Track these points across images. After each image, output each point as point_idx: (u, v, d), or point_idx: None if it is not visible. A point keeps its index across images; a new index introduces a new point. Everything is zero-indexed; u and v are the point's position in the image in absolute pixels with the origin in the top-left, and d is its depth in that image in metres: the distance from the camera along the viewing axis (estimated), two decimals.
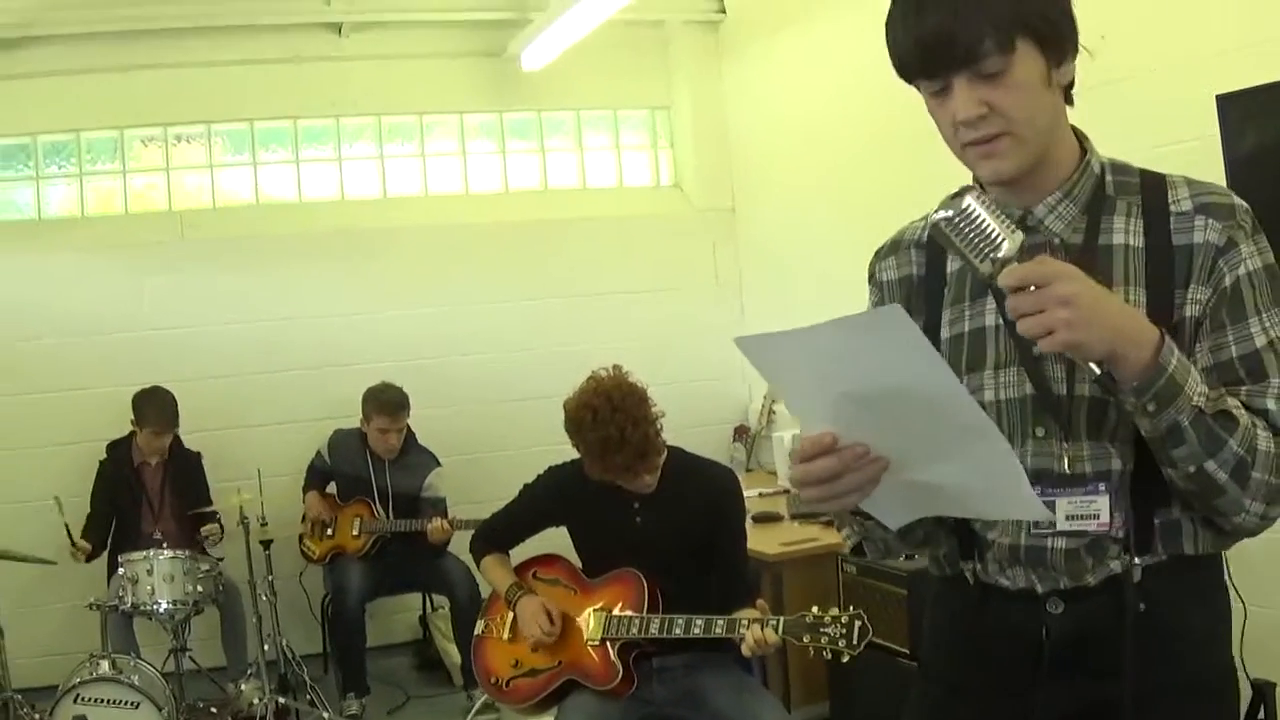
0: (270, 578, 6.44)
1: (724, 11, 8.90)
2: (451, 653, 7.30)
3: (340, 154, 8.48)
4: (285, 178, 8.38)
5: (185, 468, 7.16)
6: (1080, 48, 2.01)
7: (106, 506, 6.99)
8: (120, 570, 6.20)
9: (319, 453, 7.44)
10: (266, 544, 6.44)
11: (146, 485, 7.05)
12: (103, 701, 5.54)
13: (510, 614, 4.66)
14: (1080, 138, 2.09)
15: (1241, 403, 1.90)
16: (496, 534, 4.86)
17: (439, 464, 7.37)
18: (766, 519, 6.38)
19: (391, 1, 8.13)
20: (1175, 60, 4.89)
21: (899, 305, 1.79)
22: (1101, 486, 2.01)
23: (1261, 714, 4.03)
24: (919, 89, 2.02)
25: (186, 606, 6.18)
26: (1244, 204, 2.01)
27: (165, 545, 6.44)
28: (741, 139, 8.91)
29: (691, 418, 7.51)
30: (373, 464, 7.25)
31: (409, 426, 7.33)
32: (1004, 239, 1.79)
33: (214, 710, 6.52)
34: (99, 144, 8.01)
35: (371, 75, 8.32)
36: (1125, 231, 2.02)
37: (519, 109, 8.84)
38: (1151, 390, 1.81)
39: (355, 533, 7.13)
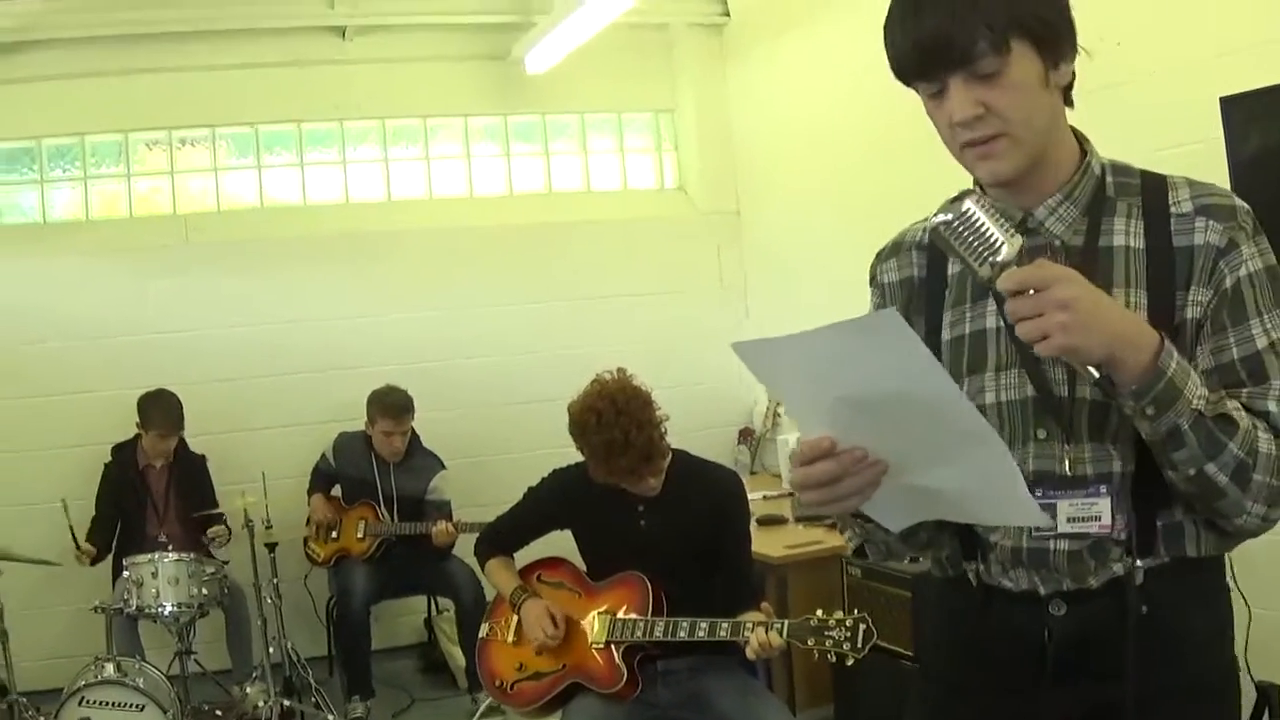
0: (275, 580, 6.45)
1: (728, 14, 8.90)
2: (456, 656, 7.29)
3: (344, 157, 8.48)
4: (290, 181, 8.38)
5: (190, 470, 7.17)
6: (1079, 49, 2.01)
7: (111, 509, 7.00)
8: (125, 573, 6.21)
9: (324, 455, 7.43)
10: (271, 547, 6.46)
11: (151, 488, 7.05)
12: (108, 704, 5.54)
13: (515, 617, 4.67)
14: (1080, 139, 2.09)
15: (1242, 405, 1.91)
16: (501, 537, 4.87)
17: (444, 467, 7.37)
18: (771, 522, 6.38)
19: (395, 5, 8.13)
20: (1179, 63, 4.89)
21: (895, 310, 1.79)
22: (1103, 489, 2.00)
23: (1266, 716, 4.03)
24: (917, 91, 2.02)
25: (191, 609, 6.17)
26: (1245, 205, 2.01)
27: (170, 548, 6.44)
28: (746, 142, 8.91)
29: (696, 421, 7.51)
30: (377, 467, 7.25)
31: (413, 429, 7.34)
32: (1003, 243, 1.79)
33: (219, 713, 6.52)
34: (103, 147, 8.02)
35: (375, 79, 8.33)
36: (1126, 233, 2.02)
37: (523, 112, 8.84)
38: (1151, 394, 1.81)
39: (360, 535, 7.13)
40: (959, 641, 2.23)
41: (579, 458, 4.51)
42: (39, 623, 7.04)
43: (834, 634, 3.86)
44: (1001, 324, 2.07)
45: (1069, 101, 2.04)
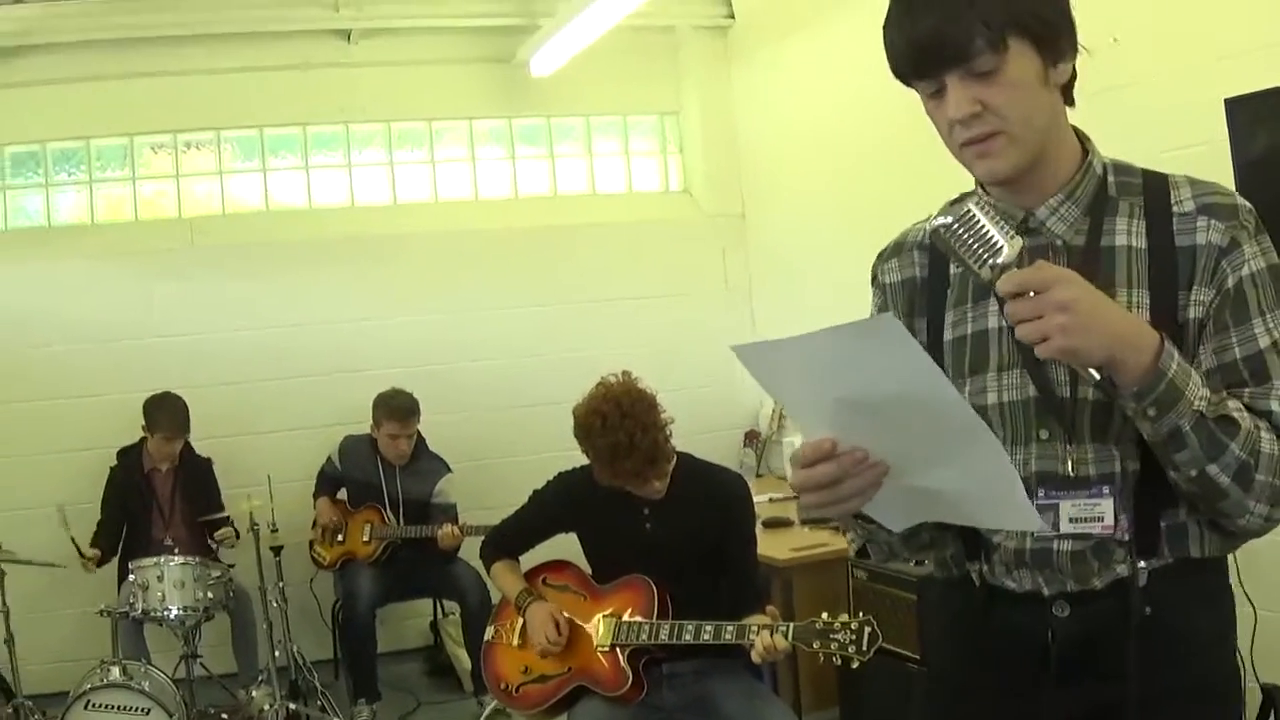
0: (281, 584, 6.44)
1: (733, 17, 8.89)
2: (462, 658, 7.29)
3: (350, 160, 8.49)
4: (295, 184, 8.38)
5: (196, 474, 7.17)
6: (1080, 47, 2.01)
7: (117, 513, 7.01)
8: (131, 577, 6.22)
9: (329, 459, 7.44)
10: (277, 550, 6.44)
11: (157, 491, 7.05)
12: (113, 708, 5.55)
13: (520, 620, 4.66)
14: (1082, 138, 2.09)
15: (1245, 405, 1.90)
16: (506, 540, 4.87)
17: (449, 470, 7.38)
18: (777, 524, 6.38)
19: (400, 8, 8.13)
20: (1183, 64, 4.88)
21: (892, 314, 1.79)
22: (1106, 489, 2.00)
23: (1271, 718, 4.02)
24: (917, 91, 2.02)
25: (197, 613, 6.18)
26: (1247, 204, 2.00)
27: (176, 551, 6.46)
28: (751, 144, 8.90)
29: (701, 423, 7.50)
30: (383, 470, 7.26)
31: (419, 432, 7.34)
32: (1003, 245, 1.79)
33: (224, 716, 6.51)
34: (108, 151, 8.03)
35: (381, 81, 8.33)
36: (1128, 233, 2.02)
37: (528, 115, 8.84)
38: (1152, 395, 1.81)
39: (366, 539, 7.13)
40: (962, 642, 2.23)
41: (584, 461, 4.51)
42: (45, 626, 7.04)
43: (839, 637, 3.85)
44: (1003, 324, 2.06)
45: (1070, 100, 2.04)
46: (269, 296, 7.99)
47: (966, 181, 2.15)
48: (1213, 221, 1.97)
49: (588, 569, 4.73)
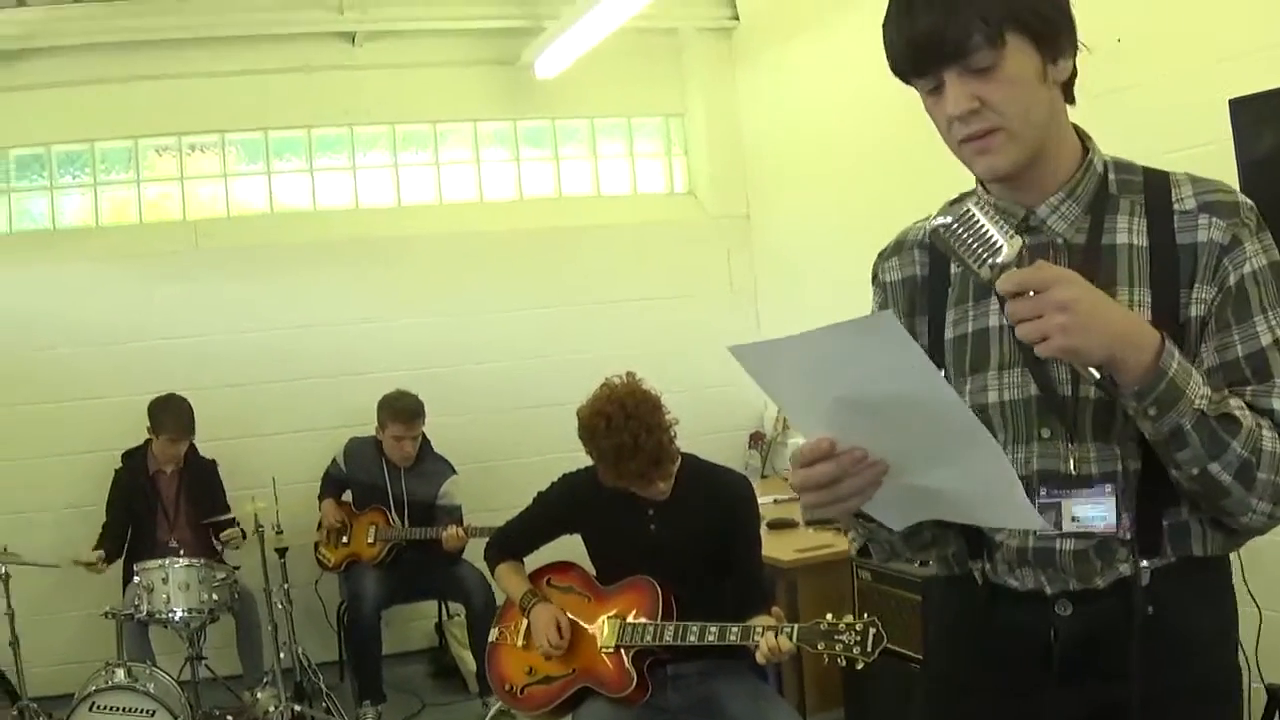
0: (286, 586, 6.45)
1: (737, 18, 8.89)
2: (467, 660, 7.29)
3: (354, 163, 8.49)
4: (299, 187, 8.39)
5: (201, 476, 7.18)
6: (1080, 45, 2.01)
7: (122, 515, 7.01)
8: (136, 579, 6.22)
9: (334, 460, 7.44)
10: (282, 552, 6.45)
11: (162, 494, 7.06)
12: (118, 710, 5.56)
13: (524, 621, 4.67)
14: (1082, 136, 2.08)
15: (1246, 403, 1.90)
16: (511, 541, 4.87)
17: (454, 471, 7.38)
18: (781, 525, 6.37)
19: (405, 10, 8.13)
20: (1187, 65, 4.88)
21: (890, 312, 1.79)
22: (1108, 488, 2.00)
23: (1277, 718, 4.02)
24: (916, 88, 2.02)
25: (202, 615, 6.19)
26: (1248, 201, 2.00)
27: (181, 553, 6.46)
28: (756, 145, 8.90)
29: (706, 424, 7.50)
30: (388, 472, 7.26)
31: (424, 434, 7.34)
32: (1002, 244, 1.78)
33: (230, 718, 6.52)
34: (113, 154, 8.04)
35: (385, 84, 8.33)
36: (1129, 231, 2.01)
37: (533, 117, 8.84)
38: (1153, 395, 1.81)
39: (370, 540, 7.13)
40: (964, 641, 2.23)
41: (589, 462, 4.51)
42: (50, 628, 7.03)
43: (844, 638, 3.85)
44: (1005, 323, 2.06)
45: (1070, 98, 2.04)
46: (274, 298, 8.00)
47: (971, 182, 2.15)
48: (1214, 219, 1.96)
49: (592, 570, 4.73)
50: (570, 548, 4.83)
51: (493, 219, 8.59)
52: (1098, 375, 1.80)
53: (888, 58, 2.00)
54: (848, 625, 3.86)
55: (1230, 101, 4.42)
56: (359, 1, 8.02)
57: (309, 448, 7.67)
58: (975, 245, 1.80)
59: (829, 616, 3.91)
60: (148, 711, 5.57)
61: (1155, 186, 2.04)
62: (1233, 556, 2.12)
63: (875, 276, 2.32)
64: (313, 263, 8.08)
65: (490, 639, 4.89)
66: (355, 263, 8.14)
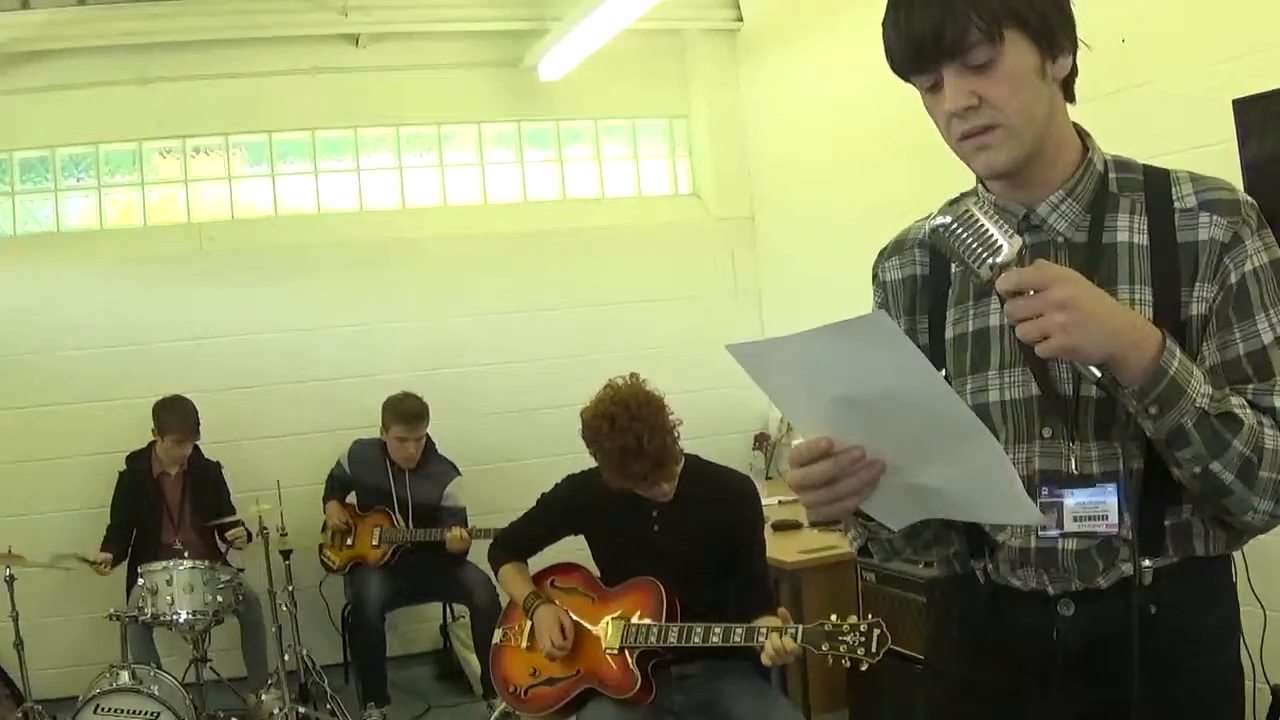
0: (290, 588, 6.46)
1: (741, 19, 8.88)
2: (472, 662, 7.29)
3: (358, 165, 8.49)
4: (304, 189, 8.39)
5: (205, 478, 7.18)
6: (1080, 43, 2.01)
7: (127, 517, 7.01)
8: (140, 581, 6.22)
9: (339, 462, 7.44)
10: (286, 554, 6.47)
11: (166, 496, 7.06)
12: (123, 712, 5.56)
13: (528, 623, 4.66)
14: (1082, 135, 2.08)
15: (1248, 401, 1.90)
16: (514, 543, 4.88)
17: (459, 473, 7.38)
18: (786, 527, 6.37)
19: (408, 12, 8.13)
20: (1191, 65, 4.88)
21: (883, 311, 1.79)
22: (1110, 487, 1.99)
23: None
24: (916, 86, 2.02)
25: (206, 617, 6.19)
26: (1249, 199, 1.99)
27: (186, 555, 6.45)
28: (760, 147, 8.90)
29: (711, 426, 7.49)
30: (393, 474, 7.26)
31: (429, 436, 7.34)
32: (1002, 243, 1.78)
33: None
34: (117, 156, 8.04)
35: (389, 86, 8.33)
36: (1130, 229, 2.01)
37: (537, 119, 8.84)
38: (1154, 393, 1.80)
39: (375, 542, 7.13)
40: (967, 640, 2.22)
41: (593, 463, 4.51)
42: (54, 631, 7.05)
43: (848, 639, 3.85)
44: (1005, 322, 2.04)
45: (1070, 97, 2.04)
46: (278, 300, 8.00)
47: (973, 183, 2.15)
48: (1215, 217, 1.96)
49: (596, 571, 4.73)
50: (574, 549, 4.83)
51: (497, 221, 8.60)
52: (1098, 374, 1.80)
53: (887, 56, 2.00)
54: (852, 626, 3.86)
55: (1234, 102, 4.43)
56: (363, 4, 8.01)
57: (313, 450, 7.67)
58: (975, 245, 1.79)
59: (833, 617, 3.91)
60: (152, 714, 5.57)
61: (1155, 184, 2.04)
62: (1237, 557, 2.12)
63: (875, 276, 2.32)
64: (317, 265, 8.08)
65: (494, 640, 4.89)
66: (359, 265, 8.14)
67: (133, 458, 7.14)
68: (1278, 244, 1.99)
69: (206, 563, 6.32)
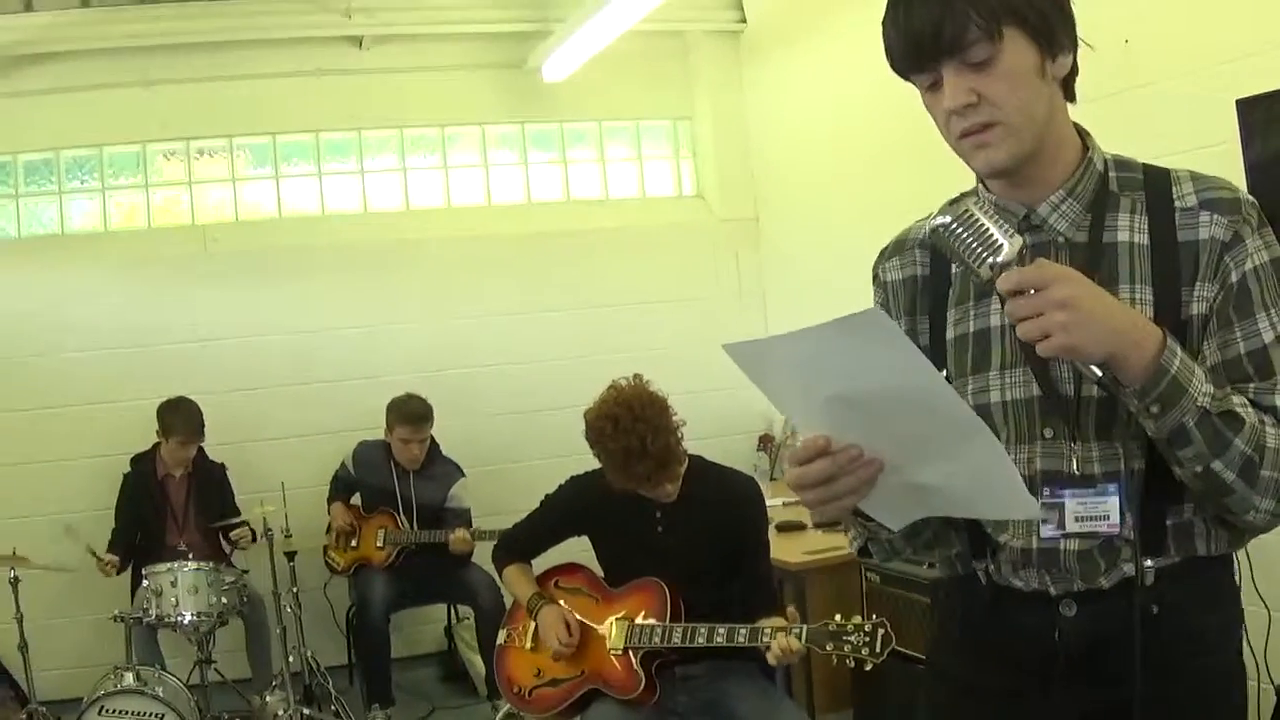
0: (295, 589, 6.46)
1: (745, 21, 8.88)
2: (476, 663, 7.29)
3: (362, 167, 8.50)
4: (307, 191, 8.39)
5: (210, 479, 7.18)
6: (1081, 42, 2.00)
7: (131, 519, 7.02)
8: (145, 582, 6.23)
9: (343, 464, 7.44)
10: (291, 555, 6.47)
11: (171, 497, 7.07)
12: (127, 713, 5.57)
13: (532, 623, 4.67)
14: (1082, 134, 2.08)
15: (1249, 400, 1.89)
16: (518, 544, 4.87)
17: (463, 475, 7.38)
18: (790, 528, 6.35)
19: (412, 14, 8.12)
20: (1195, 65, 4.88)
21: (879, 308, 1.80)
22: (1111, 488, 1.99)
23: None
24: (915, 85, 2.02)
25: (211, 618, 6.20)
26: (1250, 198, 1.99)
27: (190, 557, 6.45)
28: (764, 148, 8.90)
29: (714, 426, 7.47)
30: (397, 475, 7.26)
31: (433, 438, 7.34)
32: (1003, 243, 1.78)
33: None
34: (121, 158, 8.04)
35: (392, 88, 8.34)
36: (1130, 229, 2.01)
37: (540, 120, 8.84)
38: (1155, 392, 1.80)
39: (379, 544, 7.13)
40: (968, 641, 2.22)
41: (597, 464, 4.51)
42: (59, 632, 7.06)
43: (853, 639, 3.85)
44: (1006, 322, 2.04)
45: (1070, 96, 2.04)
46: (282, 302, 8.00)
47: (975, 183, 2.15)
48: (1215, 216, 1.96)
49: (600, 572, 4.73)
50: (578, 550, 4.83)
51: (501, 222, 8.60)
52: (1099, 373, 1.80)
53: (886, 54, 2.01)
54: (856, 626, 3.86)
55: (1238, 102, 4.43)
56: (366, 6, 8.01)
57: (318, 451, 7.68)
58: (975, 245, 1.79)
59: (838, 617, 3.91)
60: (157, 715, 5.58)
61: (1156, 184, 2.03)
62: (1240, 557, 2.12)
63: (876, 276, 2.32)
64: (321, 266, 8.08)
65: (498, 641, 4.90)
66: (363, 266, 8.14)
67: (137, 460, 7.15)
68: (1278, 243, 1.99)
69: (211, 564, 6.32)
